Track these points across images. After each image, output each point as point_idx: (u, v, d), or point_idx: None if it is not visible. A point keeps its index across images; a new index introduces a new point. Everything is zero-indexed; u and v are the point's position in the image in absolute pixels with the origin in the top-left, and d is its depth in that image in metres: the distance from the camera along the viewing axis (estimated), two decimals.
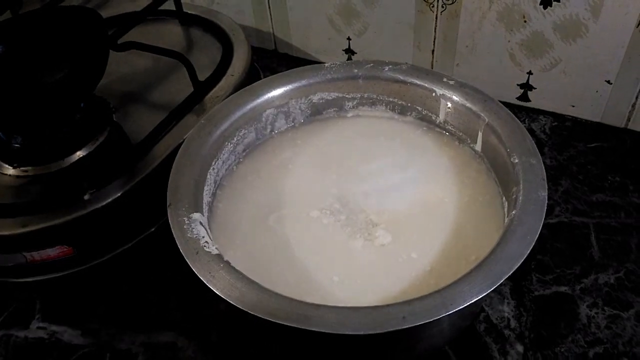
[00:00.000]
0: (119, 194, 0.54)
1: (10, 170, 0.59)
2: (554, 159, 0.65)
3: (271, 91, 0.56)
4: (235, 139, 0.54)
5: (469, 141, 0.54)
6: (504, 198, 0.48)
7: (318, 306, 0.38)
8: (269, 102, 0.56)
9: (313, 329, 0.36)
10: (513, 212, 0.43)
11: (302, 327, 0.37)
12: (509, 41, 0.69)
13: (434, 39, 0.73)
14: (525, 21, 0.67)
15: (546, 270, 0.56)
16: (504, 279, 0.38)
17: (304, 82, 0.57)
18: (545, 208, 0.42)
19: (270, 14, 0.83)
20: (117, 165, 0.56)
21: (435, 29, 0.72)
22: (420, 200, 0.51)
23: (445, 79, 0.55)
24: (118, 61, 0.66)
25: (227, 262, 0.41)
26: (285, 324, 0.37)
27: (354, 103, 0.59)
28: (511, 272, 0.38)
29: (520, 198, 0.44)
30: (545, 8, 0.65)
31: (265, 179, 0.54)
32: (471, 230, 0.48)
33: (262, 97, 0.55)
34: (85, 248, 0.55)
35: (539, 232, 0.41)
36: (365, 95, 0.58)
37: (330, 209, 0.50)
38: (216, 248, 0.42)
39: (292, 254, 0.47)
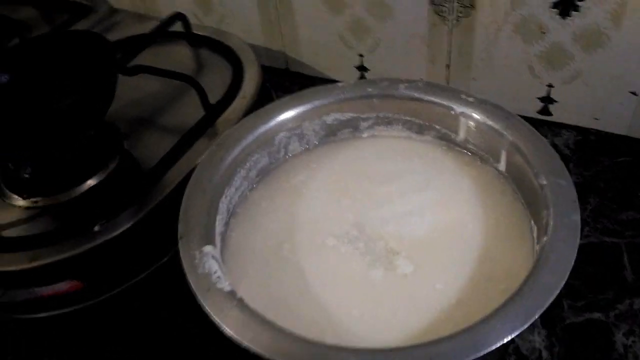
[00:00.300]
0: (130, 225, 0.53)
1: (20, 202, 0.57)
2: (580, 176, 0.63)
3: (283, 114, 0.54)
4: (247, 164, 0.52)
5: (492, 160, 0.52)
6: (532, 221, 0.46)
7: (339, 349, 0.36)
8: (281, 126, 0.54)
9: None
10: (544, 238, 0.40)
11: None
12: (527, 53, 0.67)
13: (449, 52, 0.71)
14: (543, 32, 0.64)
15: (578, 295, 0.53)
16: (538, 314, 0.35)
17: (316, 103, 0.55)
18: (579, 233, 0.40)
19: (281, 32, 0.81)
20: (128, 195, 0.55)
21: (449, 42, 0.70)
22: (442, 224, 0.48)
23: (463, 96, 0.52)
24: (127, 85, 0.64)
25: (240, 300, 0.39)
26: None
27: (370, 123, 0.57)
28: (546, 306, 0.36)
29: (551, 223, 0.41)
30: (563, 18, 0.62)
31: (279, 205, 0.52)
32: (499, 257, 0.45)
33: (274, 120, 0.53)
34: (95, 282, 0.53)
35: (573, 260, 0.38)
36: (381, 114, 0.56)
37: (348, 236, 0.48)
38: (229, 284, 0.40)
39: (308, 286, 0.45)
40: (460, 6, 0.67)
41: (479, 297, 0.42)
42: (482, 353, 0.34)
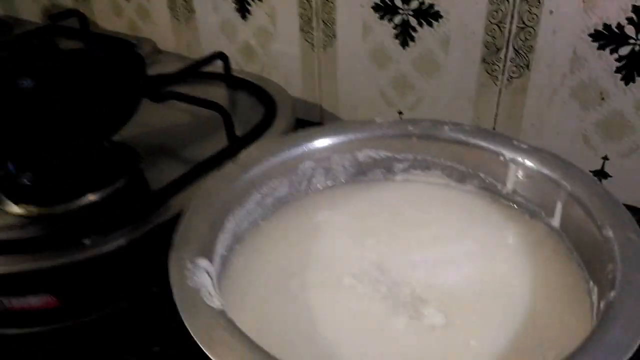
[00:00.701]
0: (123, 243, 0.47)
1: (13, 208, 0.52)
2: None
3: (312, 142, 0.49)
4: (264, 188, 0.46)
5: (544, 215, 0.45)
6: (591, 283, 0.38)
7: None
8: (308, 154, 0.49)
9: None
10: (611, 293, 0.32)
11: None
12: (582, 121, 0.61)
13: (496, 115, 0.66)
14: (602, 99, 0.59)
15: None
16: None
17: (350, 136, 0.50)
18: None
19: (319, 85, 0.78)
20: (127, 212, 0.49)
21: (497, 104, 0.65)
22: (481, 278, 0.41)
23: (515, 142, 0.46)
24: (157, 113, 0.63)
25: (231, 321, 0.32)
26: None
27: (405, 165, 0.51)
28: None
29: (619, 278, 0.33)
30: (627, 84, 0.57)
31: (293, 239, 0.45)
32: (549, 320, 0.37)
33: (301, 146, 0.48)
34: (72, 301, 0.46)
35: None
36: (419, 157, 0.50)
37: (368, 276, 0.41)
38: (221, 303, 0.33)
39: (315, 327, 0.37)
40: (514, 66, 0.62)
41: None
42: None
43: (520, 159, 0.45)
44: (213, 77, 0.75)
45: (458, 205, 0.48)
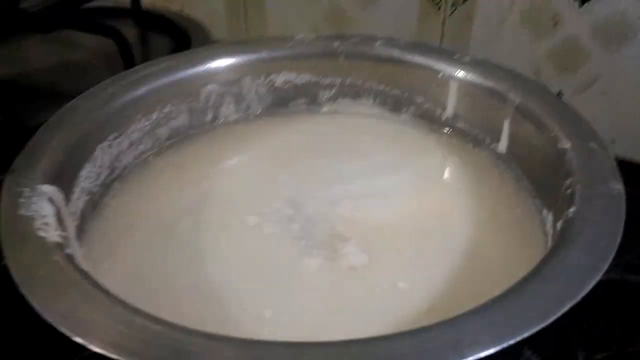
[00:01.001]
0: None
1: None
2: None
3: (216, 59, 0.40)
4: (154, 114, 0.38)
5: (489, 140, 0.38)
6: (544, 211, 0.31)
7: (210, 336, 0.20)
8: (211, 74, 0.40)
9: None
10: (570, 209, 0.25)
11: None
12: (533, 51, 0.55)
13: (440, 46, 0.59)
14: (555, 23, 0.53)
15: (597, 345, 0.37)
16: (568, 307, 0.20)
17: (263, 54, 0.41)
18: (625, 204, 0.25)
19: (246, 23, 0.69)
20: None
21: (441, 36, 0.58)
22: (414, 212, 0.34)
23: (456, 56, 0.39)
24: (48, 52, 0.56)
25: (69, 256, 0.23)
26: None
27: (332, 93, 0.43)
28: (580, 296, 0.20)
29: (579, 191, 0.26)
30: (582, 4, 0.51)
31: (191, 178, 0.37)
32: (494, 257, 0.31)
33: (201, 64, 0.40)
34: None
35: (620, 235, 0.23)
36: (347, 81, 0.42)
37: (277, 215, 0.33)
38: (60, 236, 0.24)
39: (204, 273, 0.29)
40: None
41: (462, 304, 0.26)
42: (471, 358, 0.18)
43: (461, 74, 0.38)
44: (118, 13, 0.65)
45: (391, 136, 0.41)
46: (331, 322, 0.26)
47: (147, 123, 0.37)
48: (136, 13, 0.64)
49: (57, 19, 0.53)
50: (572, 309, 0.21)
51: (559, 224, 0.26)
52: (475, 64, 0.38)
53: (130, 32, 0.64)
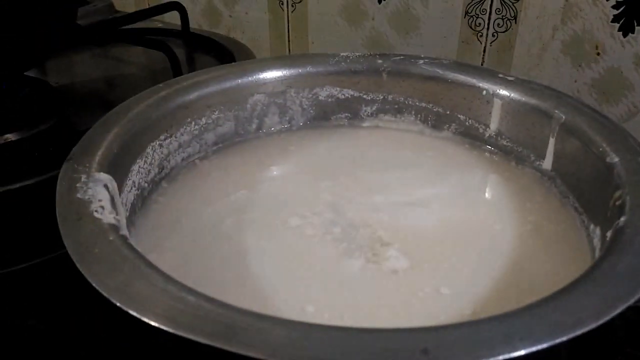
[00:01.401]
0: (29, 182, 0.38)
1: None
2: None
3: (264, 71, 0.41)
4: (203, 119, 0.39)
5: (534, 157, 0.38)
6: (592, 226, 0.31)
7: (260, 316, 0.20)
8: (258, 84, 0.41)
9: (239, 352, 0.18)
10: (622, 218, 0.25)
11: (222, 347, 0.18)
12: (575, 80, 0.55)
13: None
14: (598, 53, 0.53)
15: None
16: (620, 309, 0.20)
17: (309, 68, 0.42)
18: None
19: (289, 47, 0.71)
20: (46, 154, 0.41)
21: (482, 64, 0.59)
22: (456, 222, 0.34)
23: (501, 75, 0.40)
24: (103, 64, 0.58)
25: (124, 237, 0.24)
26: (191, 338, 0.19)
27: (374, 108, 0.44)
28: (632, 300, 0.20)
29: (629, 202, 0.26)
30: (625, 35, 0.51)
31: (236, 181, 0.38)
32: (538, 268, 0.30)
33: (249, 75, 0.41)
34: None
35: None
36: (390, 97, 0.43)
37: (319, 217, 0.33)
38: (115, 219, 0.25)
39: (248, 268, 0.30)
40: (499, 18, 0.56)
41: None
42: (527, 350, 0.18)
43: (506, 92, 0.38)
44: (167, 33, 0.68)
45: (432, 151, 0.41)
46: (372, 322, 0.26)
47: (195, 127, 0.39)
48: (185, 34, 0.67)
49: (109, 34, 0.55)
50: (618, 329, 0.21)
51: (609, 234, 0.26)
52: (519, 83, 0.39)
53: (179, 51, 0.66)
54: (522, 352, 0.18)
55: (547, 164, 0.36)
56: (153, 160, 0.35)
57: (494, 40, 0.57)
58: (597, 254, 0.28)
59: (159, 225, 0.33)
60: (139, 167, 0.33)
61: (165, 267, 0.28)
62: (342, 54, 0.43)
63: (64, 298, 0.32)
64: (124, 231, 0.25)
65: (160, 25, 0.69)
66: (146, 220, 0.33)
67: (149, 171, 0.35)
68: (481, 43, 0.58)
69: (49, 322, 0.33)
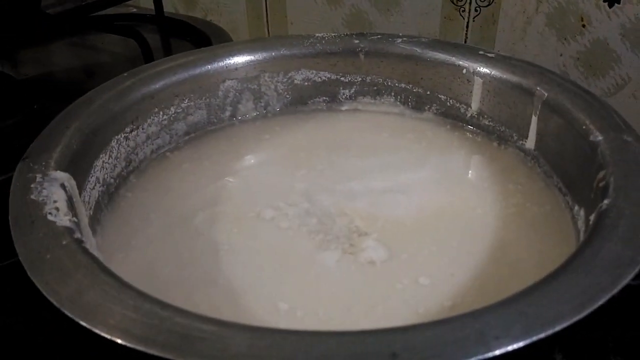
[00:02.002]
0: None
1: None
2: None
3: (235, 55, 0.39)
4: (172, 109, 0.37)
5: (516, 137, 0.36)
6: (576, 207, 0.30)
7: (220, 323, 0.19)
8: (229, 69, 0.39)
9: None
10: (605, 201, 0.24)
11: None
12: (560, 54, 0.53)
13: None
14: (584, 26, 0.51)
15: (632, 352, 0.35)
16: (603, 300, 0.19)
17: (283, 51, 0.41)
18: None
19: (268, 28, 0.69)
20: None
21: (465, 40, 0.57)
22: (437, 207, 0.32)
23: (482, 52, 0.38)
24: (72, 53, 0.57)
25: (79, 240, 0.22)
26: (142, 350, 0.17)
27: (352, 91, 0.42)
28: (617, 289, 0.19)
29: (614, 184, 0.25)
30: (611, 6, 0.49)
31: (208, 173, 0.36)
32: (522, 253, 0.29)
33: (220, 60, 0.39)
34: None
35: None
36: (368, 78, 0.41)
37: (295, 208, 0.32)
38: (71, 221, 0.24)
39: (219, 266, 0.28)
40: None
41: (489, 301, 0.25)
42: (498, 350, 0.17)
43: (486, 69, 0.37)
44: (141, 19, 0.65)
45: (413, 133, 0.40)
46: (348, 318, 0.25)
47: (164, 117, 0.37)
48: (159, 19, 0.64)
49: (79, 22, 0.53)
50: (605, 311, 0.20)
51: (592, 217, 0.24)
52: (500, 60, 0.37)
53: (153, 37, 0.64)
54: (497, 352, 0.17)
55: (530, 143, 0.35)
56: (119, 155, 0.33)
57: (476, 15, 0.55)
58: (582, 236, 0.27)
59: (127, 222, 0.32)
60: (103, 162, 0.32)
61: (132, 268, 0.27)
62: (317, 35, 0.42)
63: (20, 306, 0.31)
64: (80, 234, 0.23)
65: (134, 10, 0.67)
66: (113, 217, 0.32)
67: (115, 166, 0.33)
68: (464, 18, 0.56)
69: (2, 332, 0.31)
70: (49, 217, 0.23)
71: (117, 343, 0.18)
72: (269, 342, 0.18)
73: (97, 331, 0.18)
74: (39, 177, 0.26)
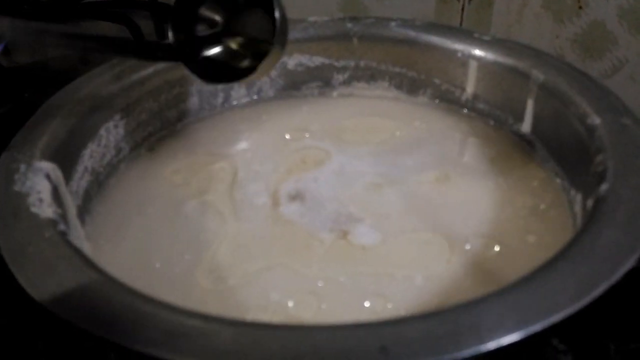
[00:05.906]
0: None
1: None
2: None
3: None
4: (163, 96, 0.36)
5: (511, 121, 0.36)
6: (572, 191, 0.29)
7: (206, 318, 0.18)
8: None
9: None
10: (603, 186, 0.23)
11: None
12: (557, 36, 0.52)
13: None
14: (580, 7, 0.50)
15: (629, 335, 0.35)
16: (603, 289, 0.18)
17: None
18: None
19: None
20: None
21: (460, 23, 0.56)
22: (431, 194, 0.32)
23: (476, 35, 0.37)
24: None
25: (62, 232, 0.22)
26: (126, 346, 0.17)
27: (346, 76, 0.41)
28: (616, 277, 0.18)
29: (612, 167, 0.24)
30: None
31: (200, 158, 0.36)
32: (518, 240, 0.28)
33: None
34: None
35: None
36: (362, 63, 0.41)
37: (286, 195, 0.31)
38: (55, 212, 0.23)
39: (210, 255, 0.28)
40: None
41: (483, 290, 0.24)
42: (491, 343, 0.16)
43: (481, 52, 0.36)
44: (136, 5, 0.64)
45: (408, 118, 0.39)
46: (340, 305, 0.25)
47: (155, 104, 0.36)
48: (152, 5, 0.63)
49: (70, 9, 0.52)
50: (602, 296, 0.19)
51: (589, 202, 0.24)
52: (495, 42, 0.36)
53: (147, 24, 0.63)
54: (490, 345, 0.16)
55: (526, 127, 0.35)
56: (108, 143, 0.33)
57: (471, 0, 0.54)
58: (580, 221, 0.27)
59: (117, 212, 0.31)
60: (92, 151, 0.31)
61: (121, 257, 0.27)
62: (310, 19, 0.41)
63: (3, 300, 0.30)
64: (65, 226, 0.23)
65: None
66: (103, 207, 0.31)
67: (104, 154, 0.32)
68: (459, 1, 0.55)
69: None
70: (32, 209, 0.23)
71: (100, 338, 0.17)
72: (255, 337, 0.17)
73: (80, 326, 0.18)
74: (22, 167, 0.25)
